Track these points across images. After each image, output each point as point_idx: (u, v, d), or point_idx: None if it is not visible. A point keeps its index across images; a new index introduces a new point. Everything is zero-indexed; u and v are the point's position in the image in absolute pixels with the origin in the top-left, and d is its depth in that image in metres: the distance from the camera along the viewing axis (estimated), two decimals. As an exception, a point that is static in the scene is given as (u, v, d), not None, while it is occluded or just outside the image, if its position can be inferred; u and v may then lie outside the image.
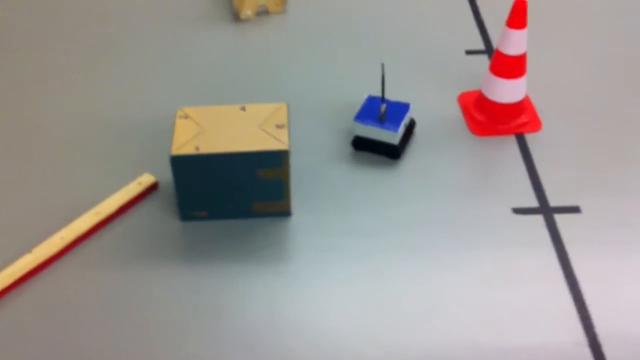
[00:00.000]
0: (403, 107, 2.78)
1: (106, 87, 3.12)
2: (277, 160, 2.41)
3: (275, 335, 2.20)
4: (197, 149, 2.39)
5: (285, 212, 2.55)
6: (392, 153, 2.75)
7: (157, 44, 3.35)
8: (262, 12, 3.53)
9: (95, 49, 3.32)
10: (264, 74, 3.18)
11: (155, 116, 2.94)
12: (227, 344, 2.18)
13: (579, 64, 3.21)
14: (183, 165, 2.40)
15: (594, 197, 2.60)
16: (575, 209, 2.56)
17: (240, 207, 2.52)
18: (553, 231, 2.49)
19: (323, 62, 3.24)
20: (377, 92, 2.90)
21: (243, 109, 2.55)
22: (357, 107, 2.83)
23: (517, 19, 2.70)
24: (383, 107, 2.72)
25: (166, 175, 2.60)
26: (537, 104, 2.99)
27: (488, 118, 2.90)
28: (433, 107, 2.98)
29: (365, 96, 2.85)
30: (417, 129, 2.88)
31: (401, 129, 2.73)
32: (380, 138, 2.73)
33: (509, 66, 2.79)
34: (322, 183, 2.68)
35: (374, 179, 2.69)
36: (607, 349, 2.14)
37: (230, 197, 2.49)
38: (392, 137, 2.71)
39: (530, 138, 2.85)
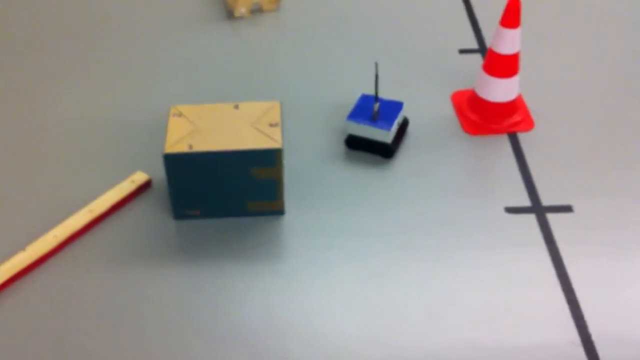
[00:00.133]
0: (396, 106, 2.78)
1: (99, 85, 3.11)
2: (270, 159, 2.41)
3: (271, 332, 2.21)
4: (191, 147, 2.39)
5: (279, 211, 2.55)
6: (385, 152, 2.75)
7: (151, 42, 3.35)
8: (256, 10, 3.53)
9: (88, 48, 3.32)
10: (257, 72, 3.18)
11: (148, 114, 2.94)
12: (222, 342, 2.19)
13: (572, 64, 3.22)
14: (176, 163, 2.40)
15: (586, 196, 2.61)
16: (567, 208, 2.57)
17: (233, 206, 2.52)
18: (545, 230, 2.50)
19: (317, 61, 3.24)
20: (370, 91, 2.90)
21: (236, 107, 2.55)
22: (351, 106, 2.83)
23: (511, 18, 2.71)
24: (376, 105, 2.72)
25: (159, 173, 2.60)
26: (530, 103, 2.99)
27: (481, 117, 2.90)
28: (426, 106, 2.99)
29: (358, 95, 2.86)
30: (411, 128, 2.88)
31: (394, 128, 2.73)
32: (373, 137, 2.73)
33: (502, 65, 2.79)
34: (316, 182, 2.68)
35: (367, 178, 2.69)
36: (600, 348, 2.15)
37: (223, 196, 2.49)
38: (385, 135, 2.71)
39: (523, 137, 2.86)
